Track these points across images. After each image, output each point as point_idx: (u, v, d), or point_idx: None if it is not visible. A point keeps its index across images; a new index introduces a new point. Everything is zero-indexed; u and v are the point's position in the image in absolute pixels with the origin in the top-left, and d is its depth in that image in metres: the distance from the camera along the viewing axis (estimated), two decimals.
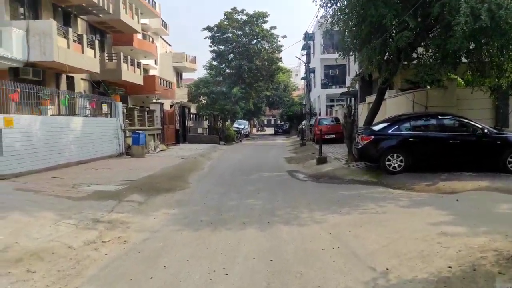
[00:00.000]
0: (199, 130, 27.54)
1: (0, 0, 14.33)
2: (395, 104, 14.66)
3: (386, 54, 11.29)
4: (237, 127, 35.65)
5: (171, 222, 5.99)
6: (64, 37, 15.73)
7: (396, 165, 9.40)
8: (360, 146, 10.31)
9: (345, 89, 23.31)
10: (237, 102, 32.17)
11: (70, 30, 16.31)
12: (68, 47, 15.83)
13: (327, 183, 9.60)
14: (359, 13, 10.49)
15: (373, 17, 9.59)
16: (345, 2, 11.55)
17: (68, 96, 13.00)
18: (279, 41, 36.38)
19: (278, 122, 66.56)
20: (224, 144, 26.24)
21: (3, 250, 4.22)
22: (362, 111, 19.59)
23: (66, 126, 11.57)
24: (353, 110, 15.51)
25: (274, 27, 35.82)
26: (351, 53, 13.11)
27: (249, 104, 40.27)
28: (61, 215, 5.77)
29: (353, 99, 26.16)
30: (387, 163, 9.43)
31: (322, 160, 12.72)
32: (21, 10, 15.63)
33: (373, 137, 9.89)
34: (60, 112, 13.89)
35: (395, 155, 9.43)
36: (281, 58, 37.01)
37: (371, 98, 16.47)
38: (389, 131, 9.76)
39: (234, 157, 17.80)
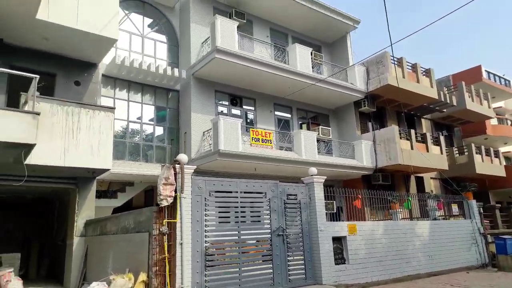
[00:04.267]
0: None
1: (354, 121, 16.92)
2: None
3: None
4: None
5: None
6: (407, 139, 16.04)
7: None
8: None
9: None
10: None
11: (412, 131, 16.52)
12: (412, 148, 15.89)
13: None
14: None
15: None
16: None
17: (410, 199, 12.42)
18: None
19: None
20: None
21: None
22: None
23: (411, 231, 10.75)
24: None
25: None
26: None
27: None
28: None
29: None
30: None
31: None
32: (370, 124, 17.69)
33: None
34: (412, 215, 13.42)
35: None
36: None
37: None
38: None
39: None
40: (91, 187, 9.36)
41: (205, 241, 6.57)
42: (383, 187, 14.95)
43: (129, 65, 11.86)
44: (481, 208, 13.68)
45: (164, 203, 5.95)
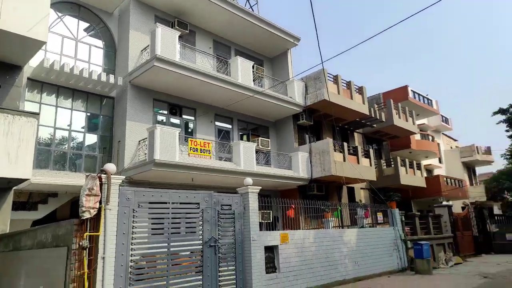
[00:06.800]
0: (509, 236, 21.09)
1: (292, 133, 17.56)
2: None
3: None
4: None
5: None
6: (340, 151, 16.98)
7: None
8: None
9: None
10: None
11: (345, 144, 17.52)
12: (344, 160, 16.82)
13: None
14: None
15: None
16: None
17: (340, 208, 13.14)
18: None
19: None
20: None
21: None
22: None
23: (339, 239, 11.38)
24: None
25: None
26: None
27: None
28: None
29: None
30: None
31: None
32: (307, 136, 18.47)
33: None
34: (343, 223, 14.15)
35: None
36: None
37: None
38: None
39: None
40: (6, 199, 8.61)
41: (131, 254, 6.37)
42: (318, 197, 15.62)
43: (59, 69, 11.22)
44: (403, 216, 14.88)
45: (86, 215, 5.69)
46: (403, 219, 14.84)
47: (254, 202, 8.99)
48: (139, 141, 12.23)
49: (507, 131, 28.93)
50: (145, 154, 11.60)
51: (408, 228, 15.35)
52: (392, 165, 21.20)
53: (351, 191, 19.47)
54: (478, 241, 19.69)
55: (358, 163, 17.67)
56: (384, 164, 21.68)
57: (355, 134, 22.04)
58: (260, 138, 16.14)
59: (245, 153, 13.86)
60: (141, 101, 12.93)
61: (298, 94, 17.29)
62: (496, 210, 30.06)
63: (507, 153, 29.98)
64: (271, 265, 9.01)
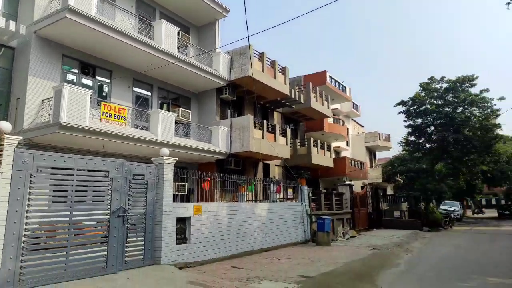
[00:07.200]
0: (396, 214, 24.33)
1: (214, 107, 17.46)
2: None
3: None
4: (445, 210, 29.96)
5: None
6: (259, 128, 17.44)
7: None
8: None
9: None
10: (442, 180, 27.43)
11: (265, 122, 18.01)
12: (263, 137, 17.33)
13: None
14: None
15: None
16: None
17: (254, 183, 13.66)
18: (495, 104, 30.03)
19: (503, 202, 54.40)
20: (429, 231, 21.96)
21: None
22: None
23: (251, 212, 11.87)
24: None
25: (486, 90, 30.32)
26: None
27: (460, 181, 33.72)
28: None
29: None
30: None
31: None
32: (229, 111, 18.54)
33: None
34: (256, 197, 14.73)
35: None
36: (499, 124, 30.27)
37: None
38: None
39: (443, 250, 14.16)
40: None
41: (27, 222, 5.84)
42: (235, 172, 15.94)
43: None
44: (310, 193, 16.06)
45: None
46: (311, 195, 16.02)
47: (169, 173, 8.85)
48: (43, 100, 11.00)
49: (405, 121, 32.82)
50: (50, 115, 10.50)
51: (314, 204, 16.66)
52: (306, 145, 22.53)
53: (266, 167, 20.27)
54: (372, 217, 22.27)
55: (275, 141, 18.36)
56: (299, 143, 22.92)
57: (275, 113, 22.77)
58: (181, 108, 15.72)
59: (163, 123, 13.41)
60: (47, 55, 11.55)
61: (223, 68, 17.13)
62: (389, 191, 34.20)
63: (402, 141, 34.05)
64: (182, 236, 9.05)
